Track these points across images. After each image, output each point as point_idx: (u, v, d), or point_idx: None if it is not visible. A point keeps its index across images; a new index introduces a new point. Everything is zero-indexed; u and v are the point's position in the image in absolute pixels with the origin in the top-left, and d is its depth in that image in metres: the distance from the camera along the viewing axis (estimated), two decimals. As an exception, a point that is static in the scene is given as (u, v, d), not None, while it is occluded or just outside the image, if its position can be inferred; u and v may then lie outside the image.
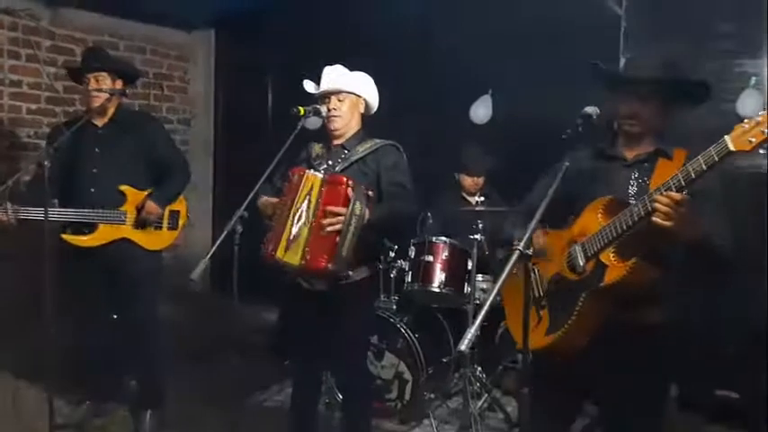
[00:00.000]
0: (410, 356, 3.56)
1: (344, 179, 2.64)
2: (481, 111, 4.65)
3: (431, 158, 4.42)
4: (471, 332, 1.62)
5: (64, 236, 3.32)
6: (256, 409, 3.80)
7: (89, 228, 3.32)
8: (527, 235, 1.82)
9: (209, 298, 4.79)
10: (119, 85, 3.42)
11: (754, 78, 3.92)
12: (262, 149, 5.47)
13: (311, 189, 2.69)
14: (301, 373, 3.12)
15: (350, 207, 2.58)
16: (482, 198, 3.76)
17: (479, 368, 3.75)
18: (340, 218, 2.58)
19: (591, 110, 2.16)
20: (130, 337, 3.49)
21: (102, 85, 3.32)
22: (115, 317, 3.59)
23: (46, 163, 2.92)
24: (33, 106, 4.87)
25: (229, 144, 6.06)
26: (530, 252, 1.81)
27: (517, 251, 1.79)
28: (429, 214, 3.91)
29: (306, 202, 2.69)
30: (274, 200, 2.83)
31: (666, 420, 3.64)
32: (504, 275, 1.74)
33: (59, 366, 3.28)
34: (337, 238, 2.58)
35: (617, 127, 2.23)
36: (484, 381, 3.71)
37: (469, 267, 3.64)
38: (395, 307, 3.76)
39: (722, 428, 3.69)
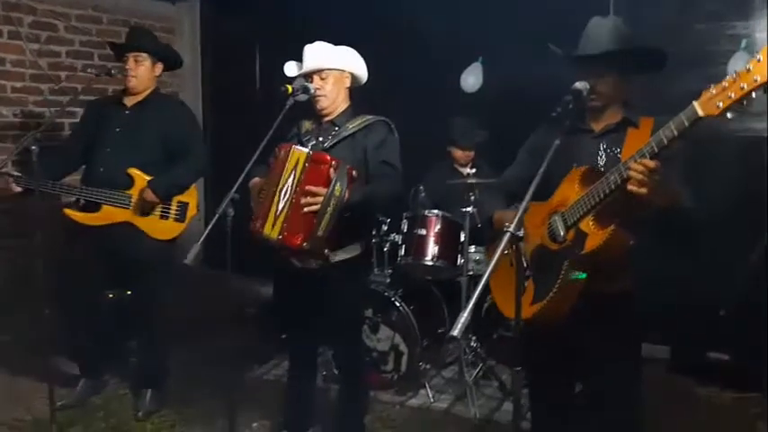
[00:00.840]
0: (405, 329, 3.60)
1: (328, 158, 2.61)
2: (471, 79, 4.61)
3: (421, 129, 4.39)
4: (464, 317, 1.61)
5: (66, 210, 3.33)
6: (255, 383, 3.84)
7: (93, 206, 3.31)
8: (518, 216, 1.82)
9: (204, 274, 4.80)
10: (158, 68, 3.41)
11: (744, 41, 3.91)
12: (251, 121, 5.46)
13: (296, 164, 2.68)
14: (297, 348, 3.15)
15: (330, 188, 2.55)
16: (473, 170, 3.75)
17: (474, 338, 3.80)
18: (318, 198, 2.56)
19: (581, 86, 2.14)
20: (131, 318, 3.53)
21: (141, 67, 3.32)
22: (111, 296, 3.62)
23: (33, 148, 2.91)
24: (18, 84, 4.79)
25: (218, 116, 6.00)
26: (520, 234, 1.81)
27: (508, 233, 1.79)
28: (421, 188, 3.90)
29: (291, 177, 2.68)
30: (264, 179, 2.83)
31: (660, 382, 3.75)
32: (495, 258, 1.73)
33: (56, 345, 3.33)
34: (314, 218, 2.58)
35: None
36: (478, 350, 3.76)
37: (462, 239, 3.66)
38: (389, 280, 3.78)
39: (714, 389, 3.77)
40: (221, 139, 5.89)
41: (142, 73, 3.34)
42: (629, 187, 1.88)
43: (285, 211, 2.65)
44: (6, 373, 3.84)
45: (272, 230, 2.69)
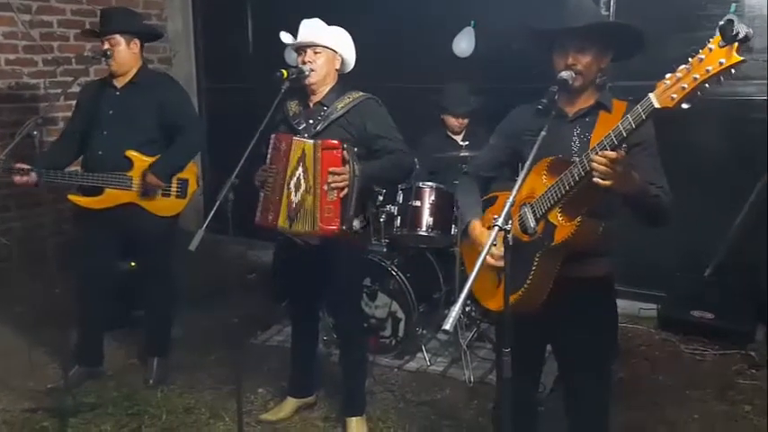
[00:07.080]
0: (402, 296, 3.71)
1: (338, 143, 2.71)
2: (464, 44, 4.62)
3: (414, 96, 4.44)
4: (455, 311, 1.69)
5: (71, 197, 3.40)
6: (258, 349, 3.98)
7: (96, 190, 3.37)
8: (505, 210, 1.87)
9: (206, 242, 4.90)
10: (135, 45, 3.39)
11: (734, 5, 3.92)
12: (245, 86, 5.48)
13: (303, 156, 2.75)
14: (298, 315, 3.27)
15: (350, 167, 2.70)
16: (467, 142, 3.80)
17: (468, 301, 3.92)
18: (345, 176, 2.70)
19: (566, 75, 2.12)
20: (140, 291, 3.65)
21: (116, 49, 3.31)
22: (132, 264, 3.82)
23: (35, 133, 2.97)
24: (11, 56, 4.82)
25: (212, 81, 6.01)
26: (509, 227, 1.89)
27: (496, 227, 1.87)
28: (416, 160, 3.95)
29: (300, 169, 2.76)
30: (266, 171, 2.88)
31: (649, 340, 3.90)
32: (484, 253, 1.81)
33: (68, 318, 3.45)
34: (342, 198, 2.71)
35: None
36: (472, 314, 3.90)
37: (455, 210, 3.75)
38: (385, 250, 3.88)
39: (698, 346, 3.94)
40: (217, 103, 5.93)
41: (120, 55, 3.33)
42: (594, 179, 1.88)
43: (310, 203, 2.73)
44: (23, 344, 3.93)
45: (291, 225, 2.79)
